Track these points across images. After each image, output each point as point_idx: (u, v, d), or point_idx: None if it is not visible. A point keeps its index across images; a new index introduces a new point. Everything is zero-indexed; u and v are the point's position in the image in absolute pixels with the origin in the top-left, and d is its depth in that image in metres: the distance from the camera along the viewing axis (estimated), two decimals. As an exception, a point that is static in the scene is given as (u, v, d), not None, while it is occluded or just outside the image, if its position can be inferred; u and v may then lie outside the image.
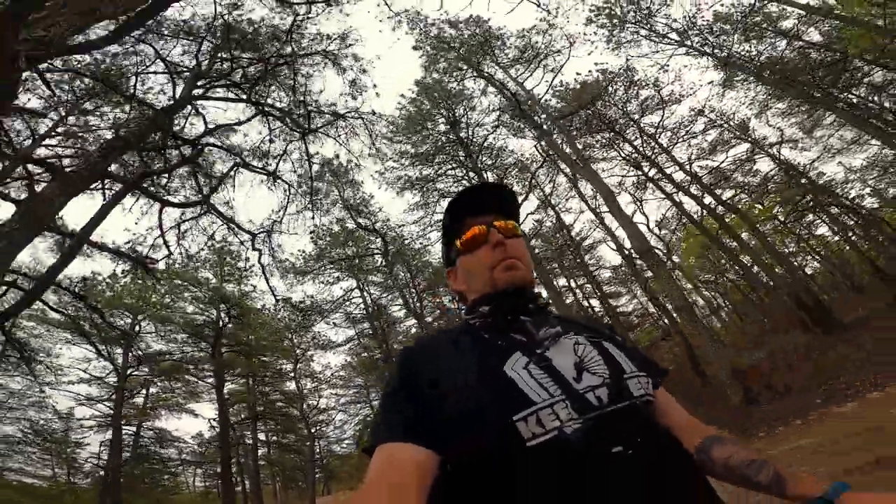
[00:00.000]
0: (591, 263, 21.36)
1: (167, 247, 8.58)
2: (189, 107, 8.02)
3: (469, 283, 0.89)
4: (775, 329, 16.03)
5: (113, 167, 6.70)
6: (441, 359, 0.73)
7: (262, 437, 24.28)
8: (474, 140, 15.80)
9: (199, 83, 7.93)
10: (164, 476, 20.65)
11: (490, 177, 15.92)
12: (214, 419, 19.24)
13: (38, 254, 14.33)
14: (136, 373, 18.27)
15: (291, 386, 23.18)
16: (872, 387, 6.74)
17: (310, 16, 8.16)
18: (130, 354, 17.55)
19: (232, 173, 9.00)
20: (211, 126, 8.67)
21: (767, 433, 7.26)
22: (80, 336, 13.10)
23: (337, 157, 12.88)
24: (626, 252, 16.42)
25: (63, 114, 8.53)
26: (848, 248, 22.40)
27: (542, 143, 14.02)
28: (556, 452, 0.59)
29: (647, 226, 20.82)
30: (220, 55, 8.51)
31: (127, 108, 7.64)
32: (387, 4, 8.58)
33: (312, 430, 23.01)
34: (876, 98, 15.37)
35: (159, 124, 6.55)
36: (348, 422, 24.66)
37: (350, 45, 9.44)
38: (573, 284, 22.40)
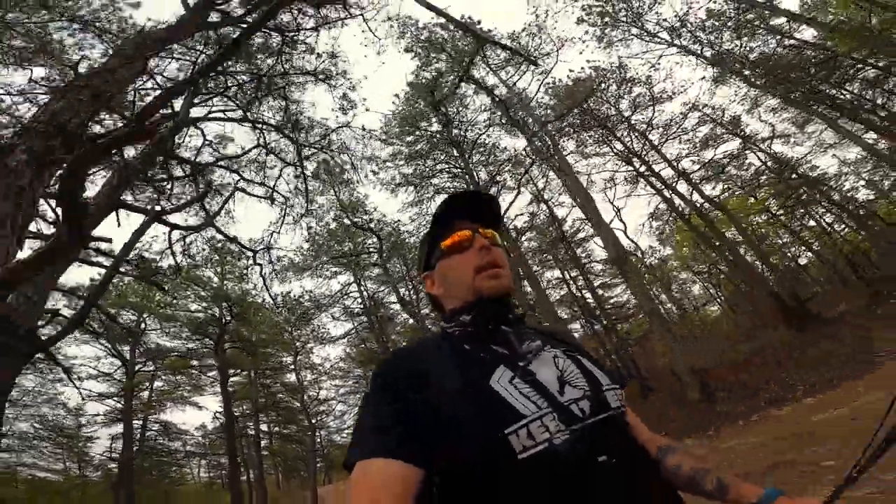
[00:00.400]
0: (583, 256, 21.62)
1: (177, 264, 9.05)
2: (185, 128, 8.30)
3: (448, 289, 0.87)
4: (765, 325, 16.33)
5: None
6: (423, 372, 0.71)
7: (264, 428, 24.63)
8: (467, 138, 15.94)
9: (195, 101, 8.19)
10: (172, 468, 21.21)
11: (483, 174, 16.10)
12: (219, 412, 19.80)
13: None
14: (143, 369, 18.80)
15: (292, 378, 23.33)
16: (829, 387, 7.05)
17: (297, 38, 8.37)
18: (137, 351, 18.06)
19: (233, 196, 9.57)
20: (215, 156, 9.20)
21: (715, 432, 7.71)
22: (92, 335, 13.62)
23: (332, 158, 13.11)
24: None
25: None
26: (840, 239, 22.52)
27: (529, 149, 14.25)
28: (547, 464, 0.60)
29: (625, 232, 21.08)
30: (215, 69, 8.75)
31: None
32: (371, 31, 8.76)
33: (313, 421, 23.15)
34: (870, 93, 15.40)
35: (162, 148, 6.79)
36: (348, 412, 25.08)
37: (341, 65, 9.76)
38: (567, 276, 22.69)
